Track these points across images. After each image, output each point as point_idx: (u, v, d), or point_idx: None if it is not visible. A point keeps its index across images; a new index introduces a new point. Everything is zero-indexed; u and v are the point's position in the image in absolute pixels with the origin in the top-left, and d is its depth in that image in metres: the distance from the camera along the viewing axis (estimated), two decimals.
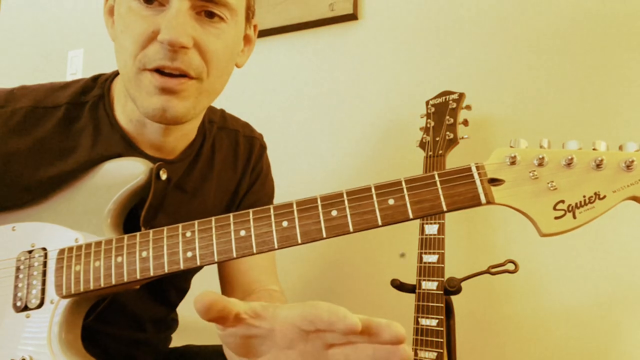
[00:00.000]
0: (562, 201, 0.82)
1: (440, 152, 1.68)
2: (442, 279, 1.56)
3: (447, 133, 1.69)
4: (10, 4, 3.26)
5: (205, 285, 1.42)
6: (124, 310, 1.32)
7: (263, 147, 1.51)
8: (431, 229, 1.60)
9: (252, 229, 0.96)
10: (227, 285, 1.41)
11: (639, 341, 1.68)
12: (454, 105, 1.73)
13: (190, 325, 1.67)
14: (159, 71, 1.08)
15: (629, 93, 1.78)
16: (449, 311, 1.55)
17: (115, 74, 1.28)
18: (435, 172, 0.89)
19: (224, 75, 1.20)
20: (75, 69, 2.89)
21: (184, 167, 1.31)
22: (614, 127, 1.77)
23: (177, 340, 1.64)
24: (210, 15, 1.10)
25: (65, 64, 2.96)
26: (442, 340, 1.51)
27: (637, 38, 1.79)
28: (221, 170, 1.40)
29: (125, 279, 1.02)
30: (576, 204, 0.81)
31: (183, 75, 1.09)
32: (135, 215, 1.17)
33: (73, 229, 1.13)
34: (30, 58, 3.12)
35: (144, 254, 1.02)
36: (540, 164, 0.84)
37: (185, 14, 1.06)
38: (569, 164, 0.82)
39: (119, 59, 1.14)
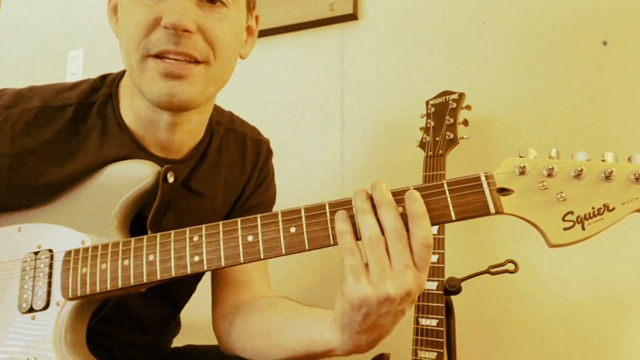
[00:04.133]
0: (571, 212, 0.83)
1: (440, 152, 1.68)
2: (442, 279, 1.57)
3: (447, 133, 1.70)
4: (10, 4, 3.26)
5: (208, 285, 1.43)
6: (128, 312, 1.32)
7: (270, 151, 1.52)
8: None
9: (259, 235, 0.97)
10: (223, 283, 1.40)
11: (638, 340, 1.70)
12: (454, 105, 1.74)
13: (191, 326, 1.67)
14: (162, 57, 1.09)
15: (629, 93, 1.79)
16: (449, 311, 1.56)
17: (123, 73, 1.29)
18: (444, 181, 0.90)
19: (231, 63, 1.21)
20: (75, 69, 2.88)
21: (190, 167, 1.32)
22: (614, 127, 1.79)
23: (178, 340, 1.64)
24: (212, 1, 1.12)
25: (65, 64, 2.96)
26: (442, 340, 1.52)
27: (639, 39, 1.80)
28: (229, 171, 1.40)
29: (132, 282, 1.03)
30: (585, 215, 0.82)
31: (189, 60, 1.10)
32: (141, 217, 1.17)
33: (79, 230, 1.13)
34: (30, 58, 3.12)
35: (151, 257, 1.02)
36: (550, 175, 0.85)
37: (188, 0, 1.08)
38: (579, 175, 0.83)
39: (122, 50, 1.15)
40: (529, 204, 0.85)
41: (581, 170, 0.83)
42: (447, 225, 1.60)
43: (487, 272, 1.53)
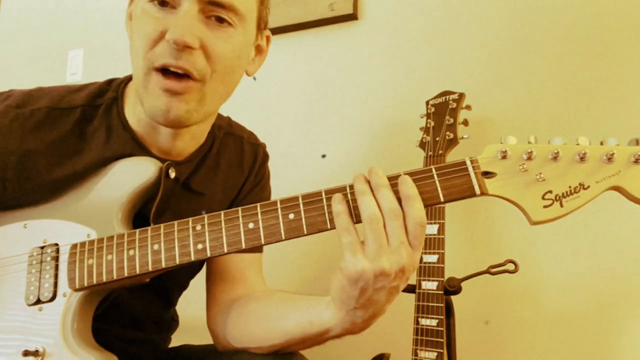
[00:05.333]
0: (550, 191, 0.93)
1: (440, 152, 1.75)
2: (442, 279, 1.63)
3: (447, 133, 1.76)
4: (11, 4, 3.33)
5: (203, 281, 1.51)
6: (124, 310, 1.39)
7: (266, 155, 1.60)
8: (431, 229, 1.66)
9: (260, 222, 1.05)
10: (219, 279, 1.47)
11: (639, 341, 1.75)
12: (454, 105, 1.79)
13: (188, 325, 1.74)
14: (164, 70, 1.15)
15: (627, 93, 1.86)
16: (449, 311, 1.62)
17: (129, 78, 1.37)
18: (433, 166, 1.01)
19: (230, 81, 1.27)
20: (75, 69, 2.95)
21: (191, 168, 1.39)
22: (613, 126, 1.85)
23: (175, 340, 1.70)
24: (220, 20, 1.17)
25: (65, 64, 3.02)
26: (442, 340, 1.58)
27: (635, 39, 1.87)
28: (227, 173, 1.48)
29: (138, 271, 1.11)
30: (563, 193, 0.92)
31: (186, 75, 1.15)
32: (142, 215, 1.25)
33: (84, 225, 1.20)
34: (30, 58, 3.18)
35: (156, 246, 1.10)
36: (529, 158, 0.95)
37: (194, 16, 1.13)
38: (555, 157, 0.94)
39: (132, 60, 1.22)
40: (511, 185, 0.95)
41: (557, 152, 0.93)
42: (447, 225, 1.66)
43: (487, 272, 1.59)
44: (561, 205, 0.92)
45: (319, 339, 1.15)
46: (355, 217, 1.02)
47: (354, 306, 1.03)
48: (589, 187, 0.92)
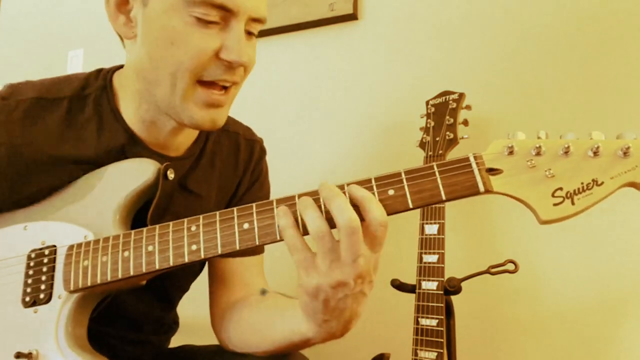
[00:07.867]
0: (560, 188, 0.85)
1: (441, 152, 1.71)
2: (442, 279, 1.59)
3: (447, 133, 1.72)
4: (11, 4, 3.30)
5: (204, 282, 1.46)
6: (124, 312, 1.35)
7: (263, 151, 1.56)
8: (431, 229, 1.63)
9: (255, 222, 1.00)
10: (219, 282, 1.44)
11: (639, 341, 1.71)
12: (454, 105, 1.76)
13: (189, 325, 1.69)
14: (209, 84, 1.16)
15: (627, 93, 1.81)
16: (449, 311, 1.58)
17: (116, 67, 1.33)
18: (434, 163, 0.94)
19: None
20: (75, 69, 2.91)
21: (188, 165, 1.36)
22: (614, 127, 1.78)
23: (176, 340, 1.66)
24: (250, 32, 1.19)
25: (65, 64, 2.99)
26: (442, 340, 1.54)
27: (635, 39, 1.83)
28: (223, 170, 1.44)
29: (132, 273, 1.06)
30: (574, 190, 0.84)
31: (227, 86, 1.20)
32: (142, 216, 1.21)
33: (82, 226, 1.17)
34: (30, 58, 3.15)
35: (150, 248, 1.06)
36: (538, 154, 0.88)
37: (244, 34, 1.15)
38: (566, 152, 0.86)
39: (162, 67, 1.15)
40: (517, 182, 0.88)
41: (568, 147, 0.86)
42: (447, 225, 1.63)
43: (487, 272, 1.55)
44: (572, 203, 0.85)
45: (304, 345, 1.14)
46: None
47: (323, 318, 1.00)
48: (602, 183, 0.84)
